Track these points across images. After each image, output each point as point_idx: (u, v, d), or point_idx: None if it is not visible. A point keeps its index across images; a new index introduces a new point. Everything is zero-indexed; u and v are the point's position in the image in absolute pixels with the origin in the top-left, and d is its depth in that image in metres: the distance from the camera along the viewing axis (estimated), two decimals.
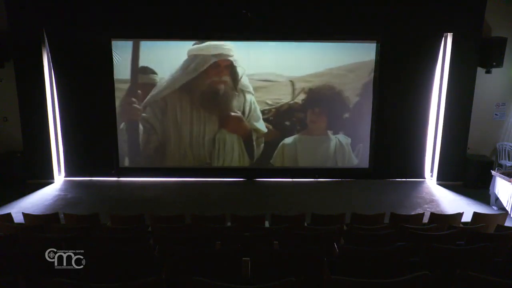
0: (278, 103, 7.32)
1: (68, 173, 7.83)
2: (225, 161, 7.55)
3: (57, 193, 7.12)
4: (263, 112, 7.37)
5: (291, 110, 7.45)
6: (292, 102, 7.27)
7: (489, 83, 7.52)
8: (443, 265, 3.04)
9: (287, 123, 7.45)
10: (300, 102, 7.40)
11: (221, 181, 7.80)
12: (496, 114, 7.75)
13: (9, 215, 4.61)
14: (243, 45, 7.23)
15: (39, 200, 6.77)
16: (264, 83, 7.23)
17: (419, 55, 7.38)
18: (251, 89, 7.12)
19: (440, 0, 7.14)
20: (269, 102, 7.25)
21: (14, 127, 7.52)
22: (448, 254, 3.15)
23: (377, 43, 7.36)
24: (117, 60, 7.36)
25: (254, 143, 7.36)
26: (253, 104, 7.11)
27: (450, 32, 7.26)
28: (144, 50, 7.30)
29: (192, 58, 7.18)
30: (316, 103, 7.45)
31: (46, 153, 7.54)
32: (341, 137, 7.59)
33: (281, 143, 7.59)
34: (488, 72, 7.29)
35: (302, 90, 7.32)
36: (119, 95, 7.48)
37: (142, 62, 7.33)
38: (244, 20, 6.70)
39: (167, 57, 7.30)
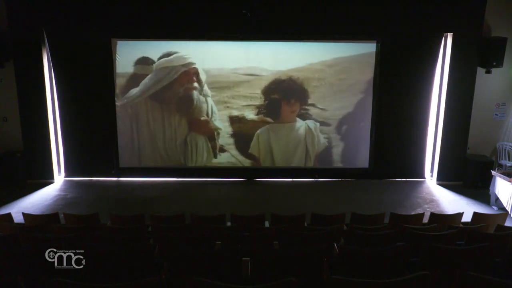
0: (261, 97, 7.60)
1: (68, 173, 7.83)
2: (197, 161, 7.80)
3: (57, 193, 7.12)
4: (262, 106, 7.57)
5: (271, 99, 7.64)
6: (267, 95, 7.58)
7: (489, 83, 7.52)
8: (443, 265, 3.04)
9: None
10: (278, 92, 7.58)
11: (221, 181, 7.81)
12: (496, 114, 7.75)
13: (9, 215, 4.62)
14: (209, 45, 7.40)
15: (39, 200, 6.77)
16: (248, 77, 7.44)
17: (419, 55, 7.37)
18: (210, 93, 7.53)
19: (440, 0, 7.14)
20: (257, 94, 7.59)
21: (14, 127, 7.53)
22: (448, 254, 3.15)
23: (377, 43, 7.36)
24: (117, 60, 7.36)
25: (216, 140, 7.75)
26: (213, 106, 7.60)
27: (450, 32, 7.26)
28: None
29: (162, 69, 7.42)
30: (292, 94, 7.58)
31: (46, 153, 7.54)
32: (310, 122, 7.68)
33: (256, 133, 7.70)
34: (488, 72, 7.29)
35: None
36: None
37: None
38: (244, 20, 6.69)
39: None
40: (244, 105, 7.56)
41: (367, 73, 7.48)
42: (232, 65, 7.41)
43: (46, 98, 7.38)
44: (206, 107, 7.57)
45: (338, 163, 7.85)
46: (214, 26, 7.22)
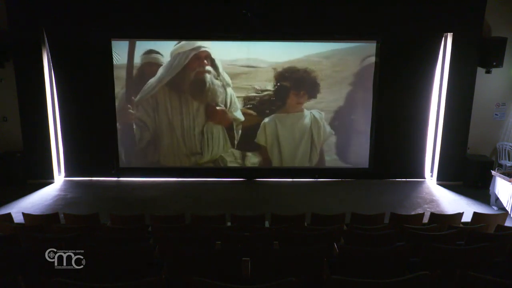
0: (263, 91, 7.57)
1: (68, 173, 7.83)
2: (213, 150, 7.79)
3: (57, 193, 7.12)
4: (248, 98, 7.57)
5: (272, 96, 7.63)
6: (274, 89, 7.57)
7: (489, 83, 7.52)
8: (443, 265, 3.04)
9: (267, 109, 7.69)
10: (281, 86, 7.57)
11: (221, 181, 7.81)
12: (496, 114, 7.75)
13: (9, 215, 4.62)
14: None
15: (39, 200, 6.77)
16: (246, 69, 7.45)
17: (419, 55, 7.37)
18: (230, 82, 7.50)
19: (440, 0, 7.14)
20: (257, 87, 7.57)
21: (14, 127, 7.52)
22: (448, 254, 3.15)
23: (377, 43, 7.36)
24: (116, 60, 7.37)
25: (235, 131, 7.71)
26: (232, 96, 7.56)
27: (450, 32, 7.26)
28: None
29: (175, 56, 7.44)
30: (298, 86, 7.57)
31: (46, 153, 7.54)
32: (315, 112, 7.69)
33: (262, 123, 7.69)
34: (488, 72, 7.29)
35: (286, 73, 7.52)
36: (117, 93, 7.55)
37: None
38: (243, 20, 6.70)
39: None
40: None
41: (362, 65, 7.45)
42: (231, 57, 7.41)
43: (46, 98, 7.38)
44: (224, 95, 7.51)
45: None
46: (214, 26, 7.22)
